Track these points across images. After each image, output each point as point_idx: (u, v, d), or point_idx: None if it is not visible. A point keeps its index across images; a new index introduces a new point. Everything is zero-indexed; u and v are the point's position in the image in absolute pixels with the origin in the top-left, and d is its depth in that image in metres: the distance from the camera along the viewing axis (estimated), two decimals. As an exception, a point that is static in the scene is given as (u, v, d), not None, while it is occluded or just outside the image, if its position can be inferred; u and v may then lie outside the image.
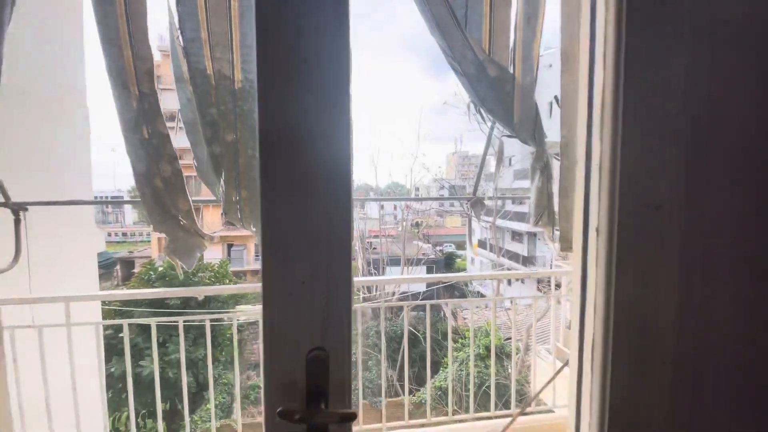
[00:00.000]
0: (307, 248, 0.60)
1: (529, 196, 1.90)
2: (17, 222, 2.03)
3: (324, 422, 0.55)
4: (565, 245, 1.55)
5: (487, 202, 2.47)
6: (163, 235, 1.63)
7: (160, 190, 1.51)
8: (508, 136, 1.72)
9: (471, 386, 2.38)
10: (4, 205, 1.97)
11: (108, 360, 7.27)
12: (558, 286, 2.45)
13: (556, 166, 1.70)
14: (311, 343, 0.58)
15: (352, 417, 0.53)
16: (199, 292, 2.04)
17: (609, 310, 0.76)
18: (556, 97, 1.99)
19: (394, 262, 14.50)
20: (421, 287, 16.46)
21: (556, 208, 1.58)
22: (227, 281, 9.95)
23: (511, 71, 1.55)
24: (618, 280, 0.75)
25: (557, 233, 1.61)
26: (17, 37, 2.80)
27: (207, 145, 1.52)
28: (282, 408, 0.54)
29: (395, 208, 22.20)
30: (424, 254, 16.04)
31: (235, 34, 1.40)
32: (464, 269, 23.15)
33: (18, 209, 2.02)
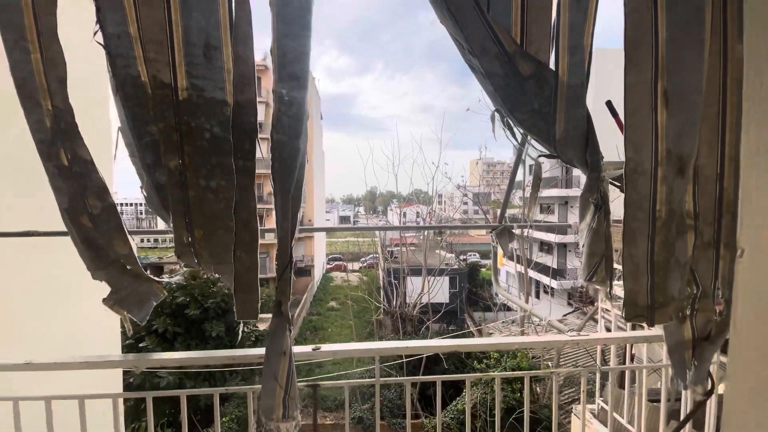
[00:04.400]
0: None
1: (569, 224, 1.44)
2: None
3: None
4: (633, 312, 1.09)
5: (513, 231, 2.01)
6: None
7: (89, 230, 1.18)
8: (548, 156, 1.27)
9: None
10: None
11: (127, 373, 7.22)
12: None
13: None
14: None
15: None
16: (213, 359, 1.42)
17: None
18: (609, 104, 1.53)
19: (416, 271, 13.95)
20: (444, 299, 15.82)
21: (617, 258, 1.12)
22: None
23: (553, 68, 1.12)
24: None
25: (616, 292, 1.15)
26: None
27: (148, 174, 1.18)
28: None
29: (417, 215, 21.70)
30: (447, 264, 15.39)
31: (176, 27, 1.04)
32: (488, 279, 22.24)
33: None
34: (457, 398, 7.85)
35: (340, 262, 29.83)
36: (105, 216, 1.17)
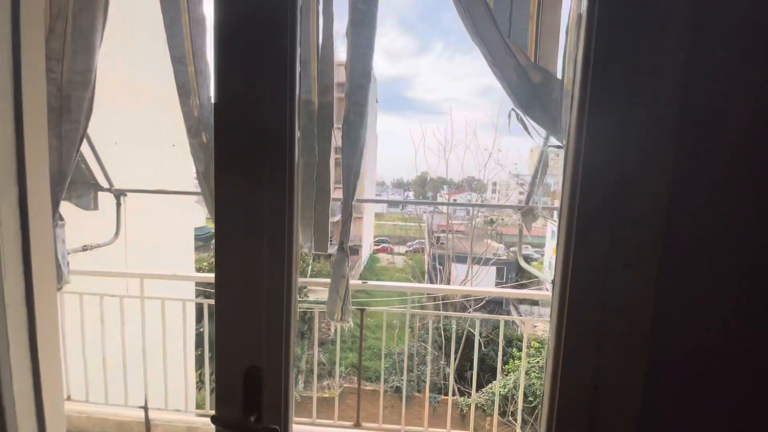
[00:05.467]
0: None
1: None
2: (118, 205, 2.47)
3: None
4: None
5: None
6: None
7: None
8: (557, 147, 1.57)
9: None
10: (108, 190, 2.40)
11: (199, 320, 8.43)
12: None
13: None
14: (249, 361, 0.63)
15: (273, 432, 0.57)
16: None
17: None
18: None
19: (461, 259, 14.09)
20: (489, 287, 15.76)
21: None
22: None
23: (560, 77, 1.41)
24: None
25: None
26: (137, 37, 3.32)
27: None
28: (215, 414, 0.61)
29: (468, 202, 21.48)
30: (494, 254, 15.27)
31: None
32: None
33: (119, 195, 2.45)
34: (493, 381, 8.10)
35: (387, 245, 30.56)
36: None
